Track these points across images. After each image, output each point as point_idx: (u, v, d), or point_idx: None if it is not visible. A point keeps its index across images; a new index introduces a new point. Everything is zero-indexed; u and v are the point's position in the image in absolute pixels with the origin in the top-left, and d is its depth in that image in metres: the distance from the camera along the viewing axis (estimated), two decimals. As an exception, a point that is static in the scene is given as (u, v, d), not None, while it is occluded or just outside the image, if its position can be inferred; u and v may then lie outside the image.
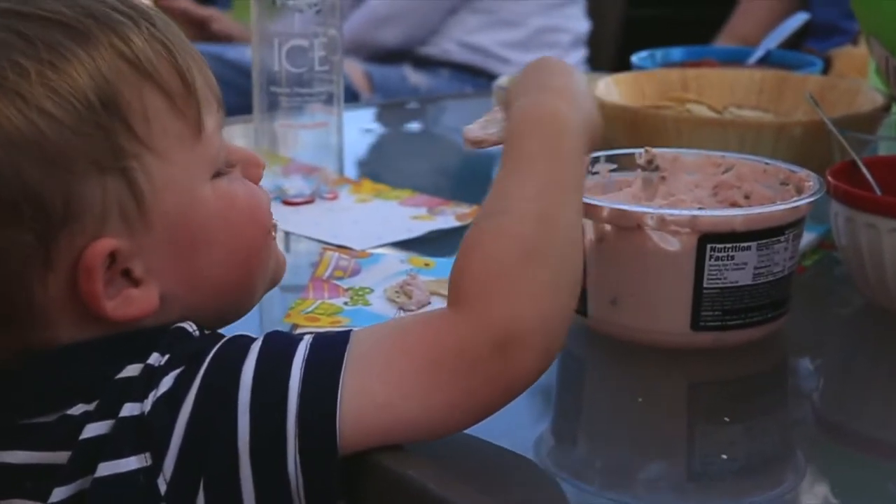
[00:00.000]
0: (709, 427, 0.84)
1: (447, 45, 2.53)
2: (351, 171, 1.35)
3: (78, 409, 0.70)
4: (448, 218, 1.20)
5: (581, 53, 2.63)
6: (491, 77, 2.35)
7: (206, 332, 0.75)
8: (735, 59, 1.62)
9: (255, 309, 1.02)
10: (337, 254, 1.08)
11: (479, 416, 0.73)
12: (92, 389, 0.71)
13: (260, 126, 1.27)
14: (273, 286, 0.84)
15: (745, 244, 0.86)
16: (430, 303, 0.97)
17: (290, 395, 0.69)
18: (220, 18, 2.64)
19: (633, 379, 0.89)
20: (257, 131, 1.28)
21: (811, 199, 0.89)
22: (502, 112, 0.83)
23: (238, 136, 1.48)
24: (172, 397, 0.69)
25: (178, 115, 0.74)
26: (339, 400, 0.69)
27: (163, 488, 0.68)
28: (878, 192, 0.99)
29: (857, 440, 0.85)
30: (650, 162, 1.00)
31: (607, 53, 2.78)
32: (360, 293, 1.00)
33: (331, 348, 0.71)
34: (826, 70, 1.59)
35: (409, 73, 2.53)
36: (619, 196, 0.98)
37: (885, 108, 1.23)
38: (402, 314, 0.95)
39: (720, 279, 0.87)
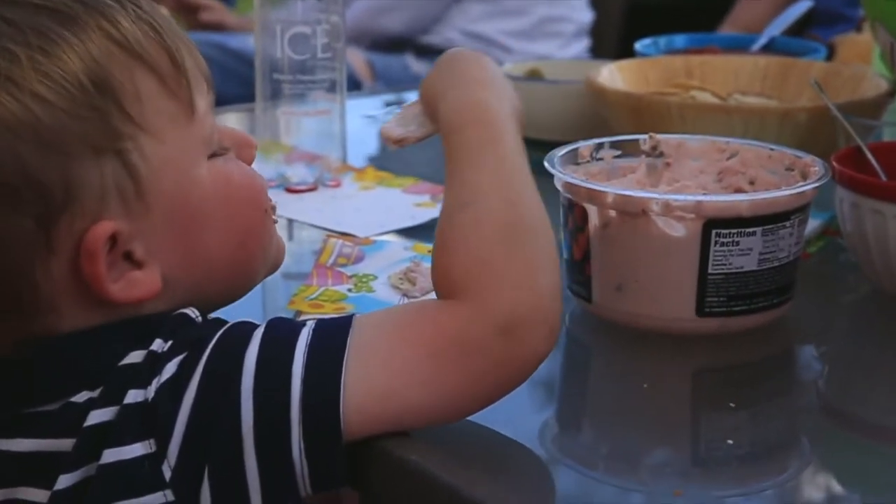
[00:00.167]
0: (714, 413, 0.84)
1: (450, 34, 2.53)
2: (354, 158, 1.35)
3: (82, 397, 0.70)
4: (451, 205, 1.20)
5: (584, 43, 2.62)
6: (494, 66, 2.35)
7: (209, 318, 0.75)
8: (739, 47, 1.61)
9: (259, 296, 1.03)
10: (340, 241, 1.08)
11: (487, 400, 0.73)
12: (96, 376, 0.71)
13: (262, 114, 1.27)
14: (273, 271, 0.84)
15: (751, 230, 0.86)
16: (433, 290, 0.96)
17: (293, 380, 0.69)
18: (212, 7, 2.63)
19: (637, 365, 0.89)
20: (260, 119, 1.27)
21: (817, 185, 0.89)
22: (418, 106, 0.84)
23: (240, 124, 1.48)
24: (176, 383, 0.69)
25: (170, 95, 0.74)
26: (342, 385, 0.69)
27: (167, 474, 0.68)
28: (884, 178, 0.99)
29: (862, 426, 0.84)
30: (654, 148, 1.00)
31: (609, 42, 2.77)
32: (364, 280, 1.00)
33: (333, 334, 0.71)
34: (830, 57, 1.59)
35: (411, 61, 2.53)
36: (624, 182, 0.98)
37: (890, 94, 1.23)
38: (406, 301, 0.95)
39: (725, 265, 0.86)
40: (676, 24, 1.70)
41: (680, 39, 1.61)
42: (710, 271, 0.86)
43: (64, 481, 0.69)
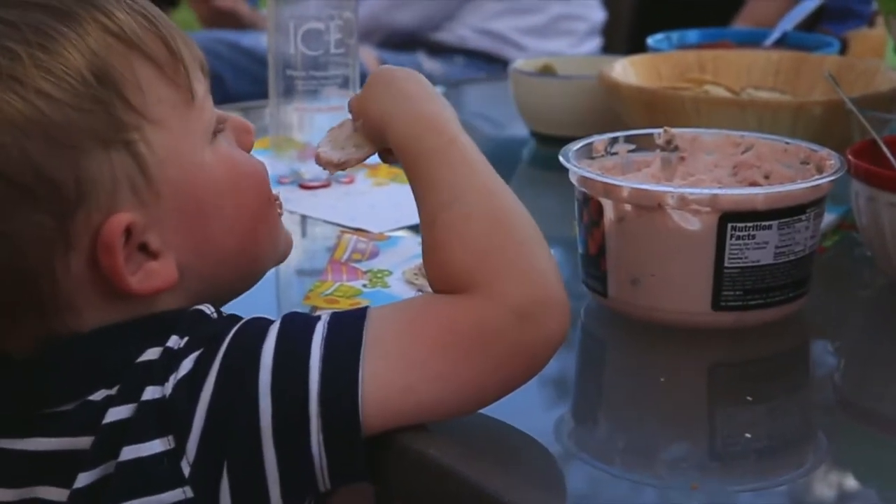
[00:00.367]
0: (730, 407, 0.83)
1: (462, 32, 2.53)
2: (367, 155, 1.35)
3: (100, 395, 0.71)
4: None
5: (596, 42, 2.62)
6: (505, 64, 2.35)
7: (224, 314, 0.75)
8: (751, 41, 1.61)
9: (273, 292, 1.03)
10: (355, 237, 1.08)
11: (505, 390, 0.73)
12: (113, 374, 0.71)
13: (276, 110, 1.27)
14: (280, 261, 0.84)
15: (767, 223, 0.86)
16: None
17: (310, 374, 0.69)
18: None
19: (653, 359, 0.89)
20: (273, 115, 1.28)
21: (833, 178, 0.88)
22: (349, 127, 0.84)
23: (253, 121, 1.48)
24: (192, 380, 0.69)
25: (169, 83, 0.74)
26: (360, 379, 0.69)
27: (186, 471, 0.68)
28: (900, 172, 0.99)
29: (879, 421, 0.84)
30: (669, 142, 0.99)
31: (621, 41, 2.77)
32: (379, 276, 1.00)
33: (349, 328, 0.72)
34: (842, 52, 1.58)
35: (423, 59, 2.52)
36: (638, 176, 0.98)
37: (905, 88, 1.22)
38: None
39: (741, 258, 0.86)
40: (687, 23, 1.70)
41: (692, 35, 1.60)
42: (725, 265, 0.86)
43: (83, 479, 0.69)
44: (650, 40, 1.55)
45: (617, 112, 1.27)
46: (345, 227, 1.13)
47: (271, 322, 0.73)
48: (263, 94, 1.31)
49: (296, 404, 0.69)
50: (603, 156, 0.98)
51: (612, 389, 0.89)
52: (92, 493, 0.69)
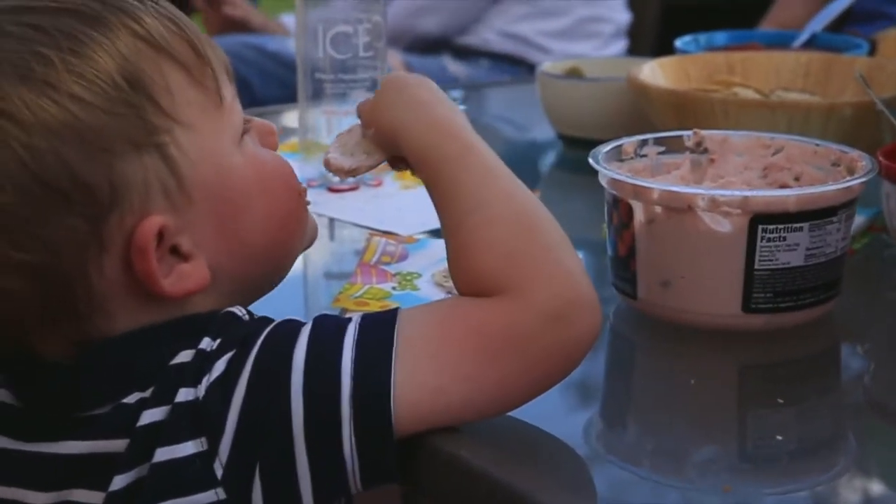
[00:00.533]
0: (760, 410, 0.83)
1: (487, 35, 2.53)
2: (395, 158, 1.35)
3: (133, 397, 0.71)
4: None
5: (622, 44, 2.61)
6: (530, 67, 2.34)
7: (255, 316, 0.76)
8: (780, 43, 1.60)
9: (301, 295, 1.03)
10: (384, 239, 1.08)
11: (536, 391, 0.73)
12: (146, 377, 0.71)
13: (304, 113, 1.27)
14: (307, 248, 0.84)
15: (798, 225, 0.85)
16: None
17: (342, 377, 0.69)
18: (235, 2, 2.61)
19: (683, 362, 0.88)
20: (301, 118, 1.28)
21: (864, 179, 0.88)
22: (358, 133, 0.83)
23: (282, 124, 1.49)
24: (225, 381, 0.70)
25: (198, 86, 0.74)
26: (392, 381, 0.69)
27: (219, 472, 0.69)
28: (931, 173, 0.98)
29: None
30: (699, 144, 0.99)
31: (646, 43, 2.76)
32: (409, 278, 1.00)
33: (380, 329, 0.72)
34: (871, 54, 1.57)
35: (448, 63, 2.53)
36: (668, 179, 0.98)
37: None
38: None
39: (772, 260, 0.86)
40: (712, 25, 1.69)
41: (720, 37, 1.60)
42: (756, 267, 0.86)
43: (118, 482, 0.69)
44: (678, 42, 1.55)
45: (645, 114, 1.27)
46: (373, 229, 1.13)
47: (303, 324, 0.73)
48: (290, 98, 1.31)
49: (328, 406, 0.69)
50: (632, 158, 0.98)
51: (641, 392, 0.89)
52: (127, 495, 0.69)
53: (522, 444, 0.75)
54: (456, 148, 0.78)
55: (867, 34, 1.82)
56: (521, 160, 1.46)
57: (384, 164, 0.85)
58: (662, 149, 0.99)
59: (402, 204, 1.22)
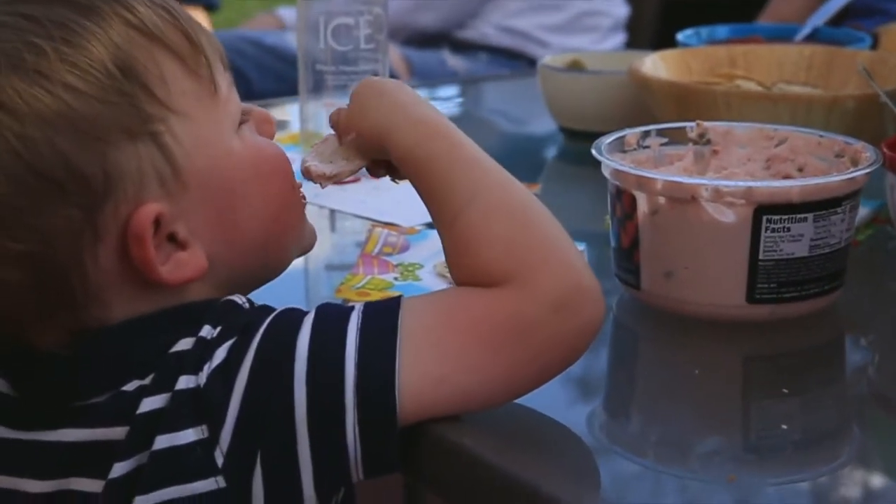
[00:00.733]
0: (765, 400, 0.83)
1: (486, 29, 2.52)
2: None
3: (132, 385, 0.71)
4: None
5: (620, 38, 2.61)
6: (530, 61, 2.34)
7: (256, 305, 0.75)
8: (782, 37, 1.60)
9: (302, 287, 1.03)
10: (386, 230, 1.08)
11: (540, 381, 0.73)
12: (146, 365, 0.71)
13: (305, 105, 1.27)
14: (304, 253, 0.84)
15: (802, 215, 0.85)
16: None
17: (346, 365, 0.69)
18: None
19: (687, 352, 0.88)
20: (303, 110, 1.27)
21: (869, 170, 0.88)
22: (335, 141, 0.83)
23: (283, 116, 1.49)
24: (226, 369, 0.69)
25: (192, 75, 0.74)
26: (397, 370, 0.69)
27: (220, 461, 0.68)
28: (935, 165, 0.98)
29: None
30: (702, 136, 0.99)
31: (645, 37, 2.76)
32: (410, 269, 1.00)
33: (383, 317, 0.71)
34: (873, 47, 1.57)
35: (447, 57, 2.52)
36: (671, 170, 0.97)
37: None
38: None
39: (776, 251, 0.86)
40: (711, 19, 1.69)
41: (722, 30, 1.60)
42: (760, 258, 0.86)
43: (118, 469, 0.69)
44: (679, 36, 1.54)
45: (647, 107, 1.27)
46: (375, 221, 1.12)
47: (305, 313, 0.73)
48: (288, 92, 1.31)
49: (331, 394, 0.69)
50: (635, 149, 0.97)
51: (645, 382, 0.88)
52: (127, 482, 0.69)
53: (526, 432, 0.75)
54: (444, 145, 0.78)
55: (868, 28, 1.82)
56: (523, 153, 1.46)
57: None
58: (665, 140, 0.99)
59: (404, 195, 1.20)
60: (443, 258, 1.00)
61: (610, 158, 0.91)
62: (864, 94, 1.15)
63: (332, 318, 0.72)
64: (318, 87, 1.25)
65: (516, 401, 0.74)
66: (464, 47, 2.53)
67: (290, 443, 0.69)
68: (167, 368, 0.70)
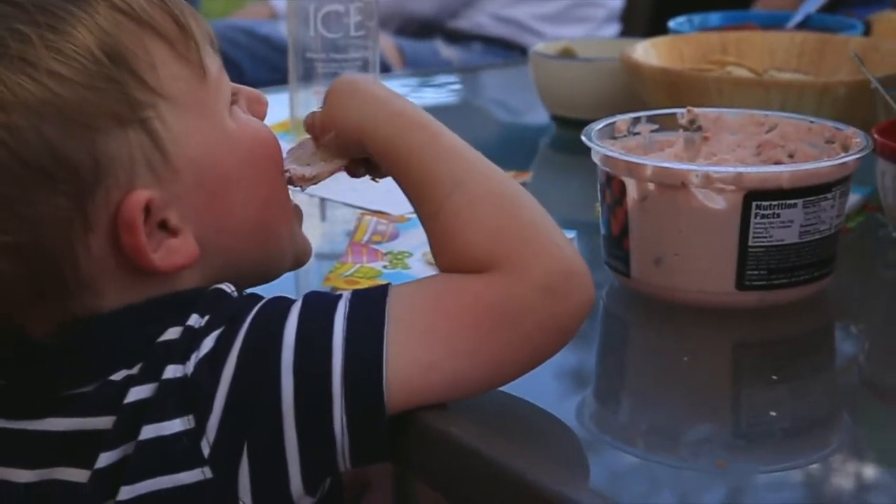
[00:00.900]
0: (754, 387, 0.83)
1: (480, 19, 2.52)
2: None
3: (120, 375, 0.70)
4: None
5: (614, 28, 2.61)
6: (523, 50, 2.34)
7: (244, 293, 0.75)
8: (774, 24, 1.59)
9: (292, 275, 1.02)
10: (375, 218, 1.08)
11: (530, 365, 0.73)
12: (134, 354, 0.70)
13: (296, 93, 1.26)
14: (299, 264, 0.83)
15: (792, 201, 0.85)
16: None
17: (333, 353, 0.69)
18: None
19: (676, 340, 0.88)
20: (293, 98, 1.27)
21: (859, 156, 0.88)
22: (311, 143, 0.82)
23: (273, 105, 1.48)
24: (213, 359, 0.69)
25: (181, 59, 0.74)
26: (384, 358, 0.69)
27: (206, 451, 0.68)
28: (926, 151, 0.97)
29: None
30: (692, 122, 0.99)
31: (639, 28, 2.75)
32: (399, 257, 0.99)
33: (371, 304, 0.71)
34: (865, 35, 1.57)
35: (440, 47, 2.52)
36: (661, 156, 0.97)
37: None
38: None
39: (766, 237, 0.85)
40: (706, 5, 1.68)
41: (714, 17, 1.59)
42: (750, 244, 0.85)
43: (104, 459, 0.69)
44: (671, 23, 1.54)
45: (638, 94, 1.26)
46: (364, 209, 1.12)
47: (293, 301, 0.72)
48: (281, 81, 1.30)
49: (319, 383, 0.68)
50: (625, 136, 0.97)
51: (634, 370, 0.88)
52: (113, 472, 0.69)
53: (515, 421, 0.75)
54: (424, 136, 0.77)
55: (862, 16, 1.82)
56: (514, 142, 1.45)
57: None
58: (656, 126, 0.99)
59: (392, 184, 1.20)
60: (432, 246, 1.00)
61: (600, 144, 0.91)
62: (855, 80, 1.15)
63: (319, 306, 0.71)
64: (308, 75, 1.25)
65: (505, 389, 0.74)
66: (458, 37, 2.53)
67: (277, 432, 0.68)
68: (155, 358, 0.70)
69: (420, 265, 0.98)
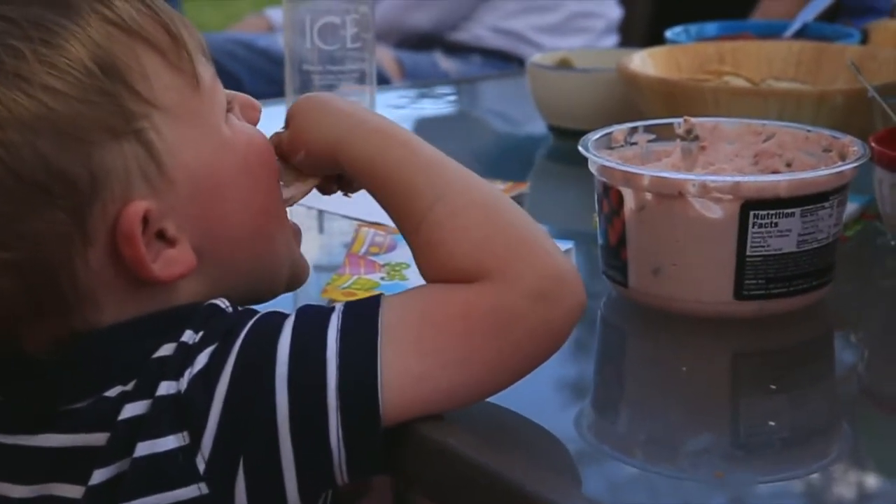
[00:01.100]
0: (753, 397, 0.83)
1: (479, 31, 2.52)
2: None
3: (115, 391, 0.70)
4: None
5: (613, 39, 2.61)
6: (522, 62, 2.34)
7: (239, 308, 0.75)
8: (771, 33, 1.59)
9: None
10: (372, 230, 1.08)
11: (522, 373, 0.73)
12: (128, 370, 0.70)
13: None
14: (296, 285, 0.83)
15: (789, 210, 0.85)
16: None
17: (328, 367, 0.69)
18: None
19: (675, 349, 0.88)
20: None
21: (856, 164, 0.87)
22: (282, 162, 0.81)
23: (270, 117, 1.48)
24: (207, 374, 0.69)
25: (174, 69, 0.73)
26: (379, 370, 0.68)
27: (202, 467, 0.68)
28: (923, 159, 0.97)
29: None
30: (689, 132, 0.98)
31: (637, 39, 2.76)
32: (397, 268, 0.99)
33: (364, 317, 0.71)
34: (863, 44, 1.57)
35: (439, 59, 2.52)
36: (658, 166, 0.97)
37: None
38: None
39: (763, 247, 0.85)
40: (703, 15, 1.68)
41: (711, 27, 1.59)
42: (748, 253, 0.85)
43: (98, 476, 0.68)
44: (668, 33, 1.54)
45: (635, 104, 1.26)
46: (361, 220, 1.12)
47: (286, 316, 0.72)
48: (279, 94, 1.30)
49: (314, 398, 0.68)
50: (622, 146, 0.97)
51: (632, 380, 0.88)
52: (108, 489, 0.68)
53: (512, 431, 0.75)
54: (404, 152, 0.77)
55: (859, 25, 1.82)
56: (512, 152, 1.45)
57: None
58: (653, 136, 0.98)
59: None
60: (430, 258, 1.00)
61: (597, 155, 0.91)
62: (852, 89, 1.15)
63: (312, 319, 0.71)
64: (305, 87, 1.24)
65: (503, 401, 0.74)
66: (457, 49, 2.53)
67: (273, 447, 0.68)
68: (149, 374, 0.70)
69: (418, 276, 0.97)
